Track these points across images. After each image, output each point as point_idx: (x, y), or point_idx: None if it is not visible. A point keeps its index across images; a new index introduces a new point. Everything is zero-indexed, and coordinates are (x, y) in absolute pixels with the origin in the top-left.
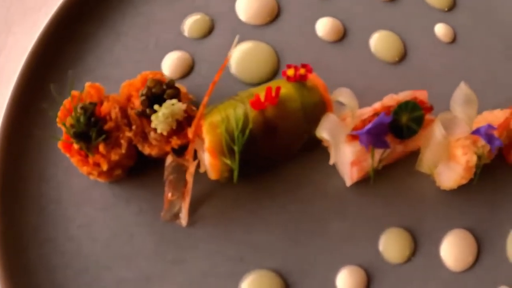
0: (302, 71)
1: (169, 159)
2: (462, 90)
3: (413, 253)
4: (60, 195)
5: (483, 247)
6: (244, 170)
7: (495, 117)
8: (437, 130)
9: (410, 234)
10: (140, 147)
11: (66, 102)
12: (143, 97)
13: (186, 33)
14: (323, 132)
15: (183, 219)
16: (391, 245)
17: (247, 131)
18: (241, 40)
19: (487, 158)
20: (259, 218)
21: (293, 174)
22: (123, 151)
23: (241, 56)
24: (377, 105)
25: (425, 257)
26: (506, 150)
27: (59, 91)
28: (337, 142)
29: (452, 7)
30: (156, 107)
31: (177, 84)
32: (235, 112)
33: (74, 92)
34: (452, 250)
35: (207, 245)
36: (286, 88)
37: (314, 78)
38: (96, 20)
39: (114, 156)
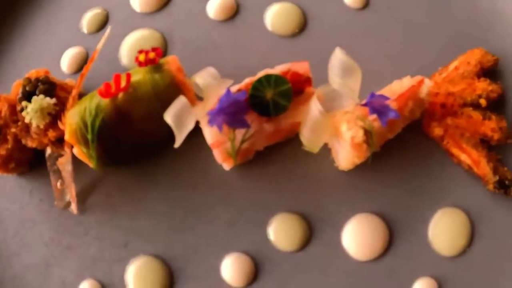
0: (151, 55)
1: (48, 151)
2: (338, 58)
3: (309, 240)
4: None
5: (398, 234)
6: (120, 157)
7: (401, 86)
8: (313, 105)
9: (304, 219)
10: (23, 141)
11: None
12: (20, 95)
13: (84, 29)
14: (167, 115)
15: (74, 207)
16: (281, 232)
17: (97, 120)
18: (132, 29)
19: (384, 135)
20: (143, 204)
21: (176, 160)
22: (9, 145)
23: (131, 46)
24: (246, 81)
25: (323, 245)
26: (426, 122)
27: None
28: (184, 126)
29: None
30: (24, 103)
31: (68, 80)
32: (90, 103)
33: None
34: (356, 237)
35: (96, 231)
36: (139, 74)
37: (170, 61)
38: (4, 22)
39: (2, 151)
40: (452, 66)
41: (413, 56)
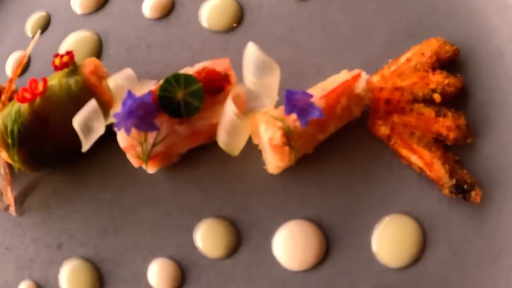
0: (65, 58)
1: None
2: (252, 55)
3: (237, 247)
4: None
5: (336, 243)
6: (46, 160)
7: (334, 81)
8: (227, 106)
9: (232, 225)
10: None
11: None
12: None
13: (29, 32)
14: (74, 122)
15: (12, 210)
16: (208, 238)
17: (16, 125)
18: (71, 31)
19: (313, 135)
20: (75, 207)
21: (107, 162)
22: None
23: (67, 49)
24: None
25: (252, 252)
26: (371, 121)
27: None
28: (92, 130)
29: None
30: None
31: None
32: (12, 107)
33: None
34: (288, 245)
35: (32, 233)
36: (56, 78)
37: (86, 64)
38: None
39: None
40: (403, 58)
41: (361, 48)
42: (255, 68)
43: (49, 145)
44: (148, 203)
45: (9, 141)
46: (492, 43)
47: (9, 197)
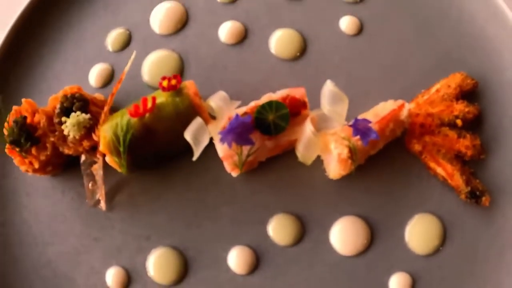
0: (173, 81)
1: (83, 157)
2: (328, 88)
3: (302, 237)
4: (16, 187)
5: (378, 235)
6: (143, 163)
7: (384, 108)
8: (306, 127)
9: (297, 219)
10: (61, 149)
11: (9, 116)
12: (58, 110)
13: (109, 47)
14: (187, 134)
15: (102, 204)
16: (278, 229)
17: (128, 135)
18: (152, 50)
19: (367, 150)
20: (162, 204)
21: (190, 166)
22: (48, 152)
23: (151, 65)
24: (252, 104)
25: (314, 241)
26: (407, 139)
27: (7, 107)
28: (200, 142)
29: None
30: (64, 118)
31: (97, 93)
32: (121, 120)
33: (15, 108)
34: (342, 235)
35: (120, 226)
36: (162, 97)
37: (188, 85)
38: (38, 41)
39: (42, 157)
40: (434, 89)
41: (400, 78)
42: (329, 99)
43: (150, 152)
44: (227, 201)
45: (121, 149)
46: (504, 77)
47: (102, 194)
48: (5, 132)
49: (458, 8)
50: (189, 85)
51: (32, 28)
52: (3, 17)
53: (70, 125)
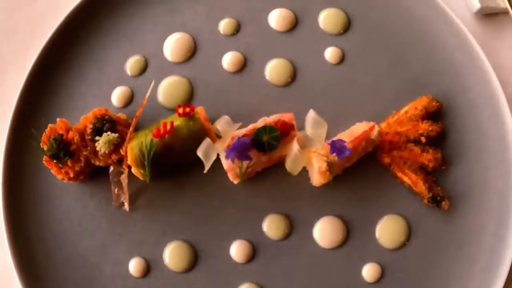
0: (187, 109)
1: (111, 168)
2: (311, 116)
3: (290, 233)
4: (50, 192)
5: (353, 231)
6: (161, 173)
7: (358, 129)
8: (293, 145)
9: (287, 218)
10: (93, 161)
11: (44, 134)
12: (91, 129)
13: (128, 72)
14: (199, 151)
15: (126, 206)
16: (272, 226)
17: (151, 152)
18: (165, 76)
19: (343, 164)
20: (176, 205)
21: (200, 176)
22: (82, 164)
23: (165, 89)
24: (250, 127)
25: (300, 236)
26: (378, 154)
27: (43, 125)
28: (210, 158)
29: (345, 31)
30: (97, 138)
31: (119, 113)
32: (145, 139)
33: (50, 126)
34: (323, 231)
35: (141, 224)
36: (178, 121)
37: (199, 111)
38: (67, 66)
39: (77, 168)
40: (403, 111)
41: (375, 102)
42: (312, 124)
43: (167, 164)
44: (230, 204)
45: (146, 162)
46: (466, 98)
47: (126, 198)
48: (43, 146)
49: (428, 38)
50: (200, 111)
51: (61, 55)
52: (37, 42)
53: (102, 143)
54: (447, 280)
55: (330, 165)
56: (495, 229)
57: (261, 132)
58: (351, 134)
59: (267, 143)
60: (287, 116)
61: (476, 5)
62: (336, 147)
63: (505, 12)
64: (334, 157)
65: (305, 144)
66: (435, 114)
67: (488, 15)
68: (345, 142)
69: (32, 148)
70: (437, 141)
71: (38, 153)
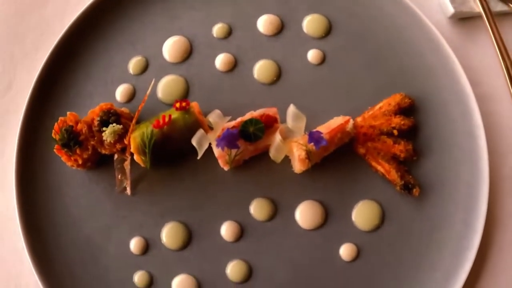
0: (183, 104)
1: (116, 156)
2: (291, 110)
3: (274, 215)
4: (59, 180)
5: (331, 215)
6: (160, 160)
7: (335, 122)
8: (276, 136)
9: (272, 202)
10: (99, 150)
11: (56, 125)
12: (98, 121)
13: (131, 71)
14: (193, 140)
15: (128, 191)
16: (258, 209)
17: (152, 141)
18: (164, 75)
19: (321, 153)
20: (173, 191)
21: (194, 163)
22: (90, 152)
23: (163, 86)
24: (238, 119)
25: (283, 218)
26: (354, 144)
27: (55, 119)
28: (202, 146)
29: (327, 35)
30: (104, 128)
31: (123, 107)
32: (146, 129)
33: (61, 118)
34: (303, 214)
35: (142, 207)
36: (175, 114)
37: (194, 106)
38: (76, 65)
39: (85, 155)
40: (377, 106)
41: (352, 98)
42: (292, 117)
43: (166, 152)
44: (221, 189)
45: (146, 150)
46: (438, 96)
47: (129, 183)
48: (55, 136)
49: (404, 42)
50: (195, 106)
51: (69, 57)
52: (46, 45)
53: (108, 133)
54: (419, 262)
55: (308, 153)
56: (463, 217)
57: (247, 124)
58: (328, 126)
59: (253, 133)
60: (271, 111)
61: (451, 10)
62: (314, 137)
63: (478, 16)
64: (312, 146)
65: (287, 135)
66: (408, 111)
67: (463, 19)
68: (322, 133)
69: (42, 140)
70: (411, 135)
71: (48, 145)
